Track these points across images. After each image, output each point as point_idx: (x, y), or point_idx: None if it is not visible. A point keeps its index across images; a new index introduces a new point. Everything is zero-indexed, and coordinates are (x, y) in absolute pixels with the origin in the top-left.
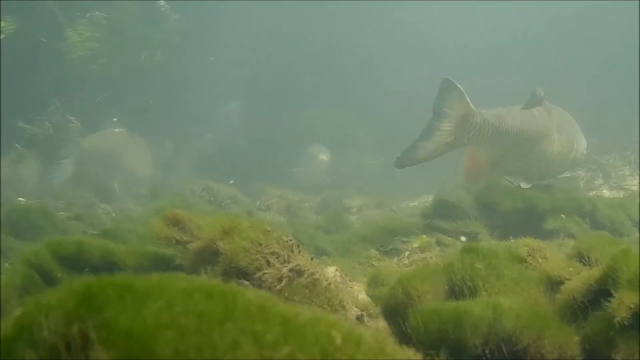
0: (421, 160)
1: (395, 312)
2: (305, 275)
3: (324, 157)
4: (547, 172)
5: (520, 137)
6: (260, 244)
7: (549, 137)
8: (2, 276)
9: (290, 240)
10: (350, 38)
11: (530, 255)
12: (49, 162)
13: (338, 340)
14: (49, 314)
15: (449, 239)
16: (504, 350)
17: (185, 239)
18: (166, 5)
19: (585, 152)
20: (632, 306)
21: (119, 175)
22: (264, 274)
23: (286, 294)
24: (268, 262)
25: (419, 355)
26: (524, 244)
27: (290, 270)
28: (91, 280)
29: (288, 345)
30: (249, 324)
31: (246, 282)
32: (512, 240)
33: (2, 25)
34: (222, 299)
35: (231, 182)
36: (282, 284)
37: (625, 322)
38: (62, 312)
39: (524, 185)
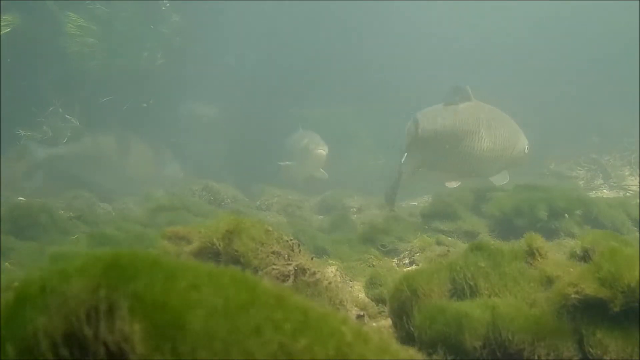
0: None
1: (401, 309)
2: (307, 274)
3: (321, 151)
4: (478, 168)
5: (446, 134)
6: (263, 244)
7: (477, 133)
8: (2, 276)
9: (291, 239)
10: (352, 38)
11: (533, 253)
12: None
13: (349, 337)
14: (69, 280)
15: (449, 238)
16: (498, 353)
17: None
18: (167, 4)
19: (526, 151)
20: (589, 293)
21: (114, 176)
22: (273, 269)
23: None
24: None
25: (420, 355)
26: (528, 243)
27: (294, 268)
28: (120, 250)
29: (305, 337)
30: (269, 311)
31: None
32: (513, 240)
33: (7, 19)
34: (245, 285)
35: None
36: (290, 282)
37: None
38: (88, 279)
39: (451, 184)
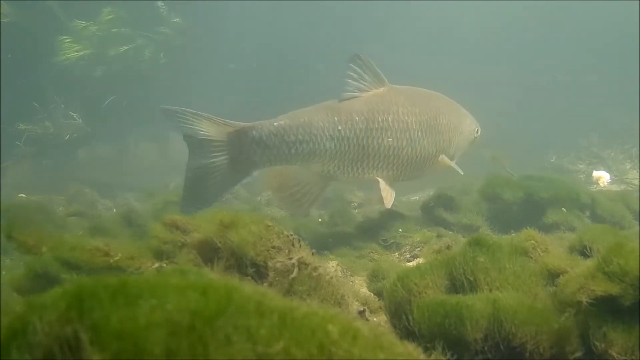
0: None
1: (398, 308)
2: (309, 269)
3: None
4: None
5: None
6: (262, 238)
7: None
8: (2, 274)
9: (292, 235)
10: (355, 37)
11: (533, 247)
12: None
13: (335, 334)
14: (43, 316)
15: (450, 232)
16: (501, 346)
17: (188, 240)
18: (164, 6)
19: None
20: (600, 293)
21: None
22: (278, 261)
23: (294, 287)
24: (271, 257)
25: (420, 350)
26: (527, 236)
27: (297, 261)
28: (84, 280)
29: (283, 340)
30: (243, 319)
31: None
32: (514, 234)
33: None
34: (216, 295)
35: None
36: (294, 274)
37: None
38: (56, 313)
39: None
